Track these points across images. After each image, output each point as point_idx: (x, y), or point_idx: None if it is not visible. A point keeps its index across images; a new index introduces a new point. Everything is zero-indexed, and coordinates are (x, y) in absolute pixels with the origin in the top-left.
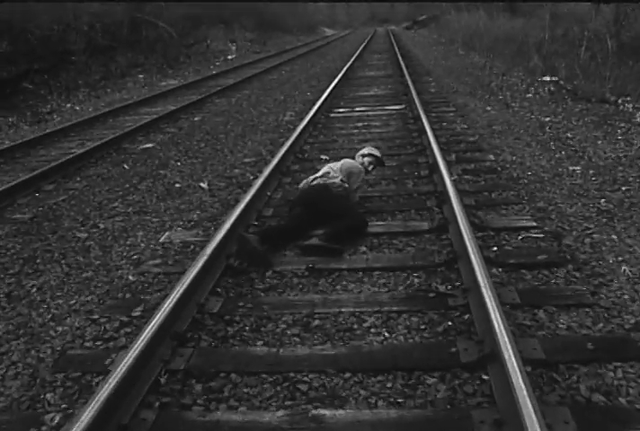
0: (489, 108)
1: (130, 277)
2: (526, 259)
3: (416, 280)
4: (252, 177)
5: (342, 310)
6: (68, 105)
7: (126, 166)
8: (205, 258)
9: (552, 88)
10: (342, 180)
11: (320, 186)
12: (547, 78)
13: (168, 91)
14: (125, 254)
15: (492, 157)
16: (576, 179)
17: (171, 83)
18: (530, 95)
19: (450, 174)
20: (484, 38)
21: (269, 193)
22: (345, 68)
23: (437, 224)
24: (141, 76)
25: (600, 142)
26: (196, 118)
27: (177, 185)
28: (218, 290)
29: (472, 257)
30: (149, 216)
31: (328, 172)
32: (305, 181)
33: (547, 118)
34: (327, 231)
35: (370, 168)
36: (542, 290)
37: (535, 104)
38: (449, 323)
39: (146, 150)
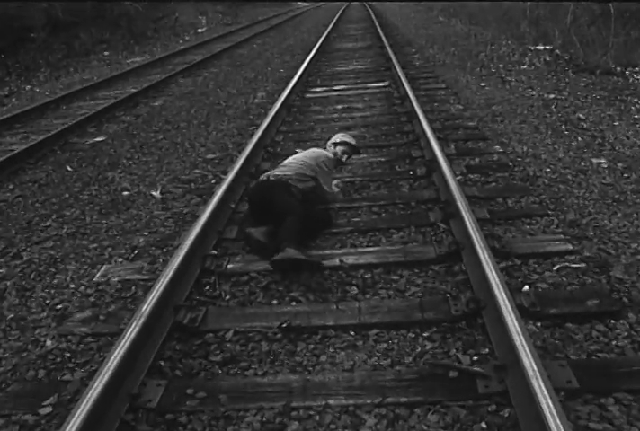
0: (483, 83)
1: (49, 343)
2: (570, 307)
3: (428, 345)
4: (214, 180)
5: (330, 402)
6: (28, 87)
7: (69, 168)
8: (147, 311)
9: (547, 58)
10: (307, 174)
11: (272, 182)
12: (541, 47)
13: (131, 70)
14: (48, 302)
15: (499, 148)
16: (605, 176)
17: (137, 61)
18: (526, 67)
19: (453, 173)
20: (465, 3)
21: (233, 205)
22: (321, 40)
23: (446, 249)
24: (106, 54)
25: (616, 123)
26: (156, 103)
27: (125, 193)
28: (162, 364)
29: (501, 307)
30: (86, 241)
31: (293, 163)
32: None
33: (551, 96)
34: (282, 232)
35: (345, 158)
36: (604, 362)
37: (533, 78)
38: (483, 426)
39: (96, 145)
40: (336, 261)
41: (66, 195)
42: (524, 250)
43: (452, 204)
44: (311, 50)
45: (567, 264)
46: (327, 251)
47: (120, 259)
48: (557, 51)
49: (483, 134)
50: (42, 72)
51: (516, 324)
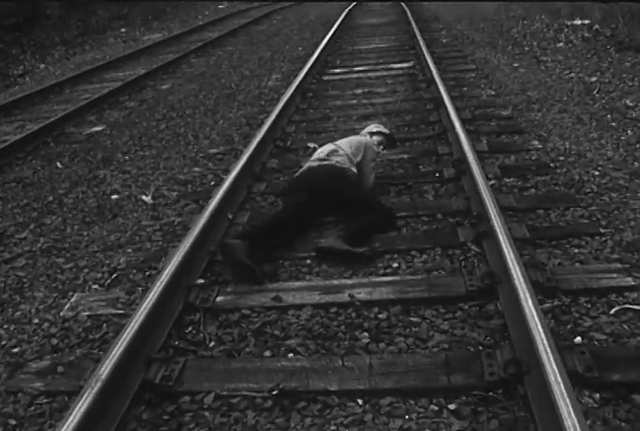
0: (516, 64)
1: None
2: (638, 372)
3: (455, 424)
4: (213, 182)
5: None
6: (42, 65)
7: (59, 164)
8: (107, 370)
9: (586, 34)
10: (353, 163)
11: (333, 167)
12: (578, 22)
13: (145, 48)
14: (4, 343)
15: (537, 144)
16: None
17: (153, 37)
18: (562, 44)
19: (486, 177)
20: None
21: (230, 215)
22: (343, 15)
23: (478, 283)
24: (123, 30)
25: None
26: (164, 86)
27: (114, 196)
28: None
29: (548, 373)
30: (62, 258)
31: (336, 150)
32: (307, 165)
33: (593, 78)
34: (349, 228)
35: (380, 148)
36: None
37: (571, 57)
38: None
39: (93, 136)
40: (345, 296)
41: (50, 198)
42: (573, 284)
43: (485, 219)
44: (332, 26)
45: (629, 305)
46: (335, 281)
47: (95, 286)
48: (597, 26)
49: (518, 125)
50: (57, 50)
51: (567, 401)
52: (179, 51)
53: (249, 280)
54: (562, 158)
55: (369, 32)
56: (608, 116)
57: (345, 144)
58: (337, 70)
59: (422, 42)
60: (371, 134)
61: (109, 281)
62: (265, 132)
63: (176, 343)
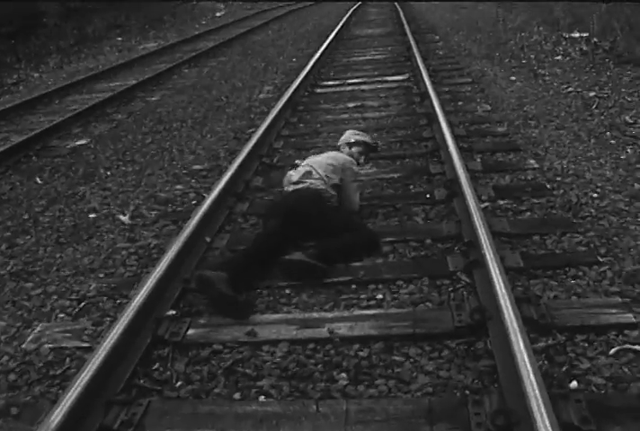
0: (513, 78)
1: None
2: None
3: None
4: (195, 201)
5: None
6: (36, 74)
7: (39, 180)
8: (62, 413)
9: (584, 47)
10: (328, 184)
11: (309, 191)
12: (576, 34)
13: (138, 58)
14: None
15: (533, 163)
16: None
17: (149, 47)
18: (560, 58)
19: (479, 199)
20: None
21: (208, 239)
22: (340, 25)
23: (467, 319)
24: (119, 39)
25: None
26: (154, 98)
27: (92, 215)
28: None
29: (539, 426)
30: (31, 283)
31: (310, 172)
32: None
33: (592, 93)
34: (320, 245)
35: (362, 159)
36: None
37: (569, 71)
38: None
39: (76, 150)
40: (325, 331)
41: (26, 216)
42: (569, 320)
43: (476, 246)
44: (327, 37)
45: (629, 345)
46: (314, 314)
47: (62, 314)
48: (595, 39)
49: (514, 143)
50: (53, 58)
51: None
52: (172, 61)
53: (232, 314)
54: (559, 178)
55: (365, 43)
56: (608, 133)
57: (320, 164)
58: (330, 82)
59: (417, 54)
60: (349, 145)
61: (77, 310)
62: (251, 148)
63: (141, 381)
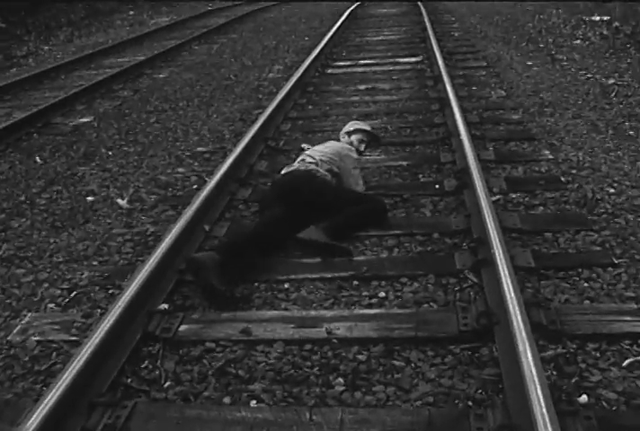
0: (530, 62)
1: None
2: None
3: None
4: (196, 185)
5: None
6: (47, 47)
7: (38, 159)
8: (42, 415)
9: (605, 31)
10: (323, 168)
11: (300, 171)
12: (597, 18)
13: (148, 33)
14: None
15: (548, 154)
16: None
17: (161, 21)
18: (579, 42)
19: (490, 192)
20: None
21: (207, 227)
22: (355, 5)
23: (473, 323)
24: (131, 13)
25: None
26: (161, 75)
27: (90, 198)
28: None
29: None
30: (23, 269)
31: (304, 160)
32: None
33: (611, 80)
34: (333, 219)
35: (362, 148)
36: None
37: (588, 56)
38: None
39: (79, 128)
40: (323, 331)
41: (23, 197)
42: (581, 327)
43: (486, 243)
44: (341, 15)
45: None
46: (312, 312)
47: (52, 304)
48: (617, 24)
49: (529, 131)
50: (63, 31)
51: None
52: (183, 37)
53: (219, 306)
54: (574, 171)
55: (379, 23)
56: (626, 123)
57: (316, 152)
58: (342, 63)
59: (432, 35)
60: (349, 133)
61: (67, 300)
62: (257, 130)
63: (128, 381)
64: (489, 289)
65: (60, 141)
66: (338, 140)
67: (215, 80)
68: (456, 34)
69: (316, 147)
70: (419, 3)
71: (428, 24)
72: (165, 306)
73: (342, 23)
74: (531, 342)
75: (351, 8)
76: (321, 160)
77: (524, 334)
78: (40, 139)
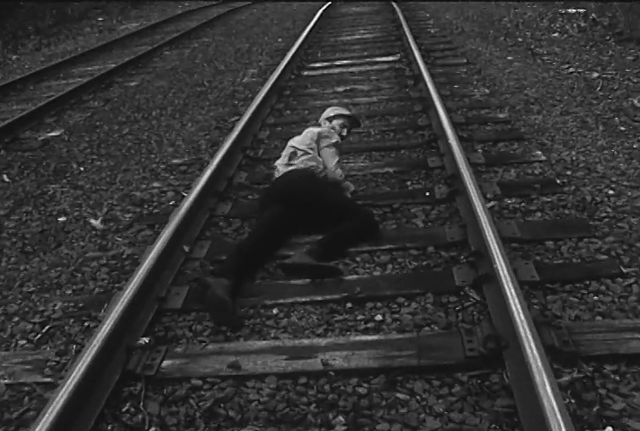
0: (510, 57)
1: None
2: None
3: None
4: (173, 201)
5: None
6: (14, 57)
7: (6, 178)
8: None
9: (582, 24)
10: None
11: (299, 171)
12: (573, 10)
13: (118, 39)
14: None
15: (540, 154)
16: None
17: (131, 27)
18: (557, 35)
19: (484, 198)
20: None
21: (187, 248)
22: (327, 4)
23: (480, 348)
24: (100, 19)
25: None
26: (133, 83)
27: (61, 218)
28: None
29: None
30: None
31: (295, 153)
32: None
33: (594, 74)
34: (320, 241)
35: (345, 132)
36: None
37: (568, 49)
38: None
39: (49, 142)
40: (318, 362)
41: None
42: (596, 348)
43: (486, 256)
44: (314, 15)
45: None
46: (305, 341)
47: (23, 341)
48: (593, 15)
49: (517, 131)
50: (31, 40)
51: None
52: (153, 43)
53: (230, 323)
54: (569, 172)
55: (353, 22)
56: (616, 119)
57: (301, 141)
58: (317, 64)
59: (408, 33)
60: (329, 119)
61: (39, 335)
62: (234, 139)
63: (109, 428)
64: (494, 308)
65: (29, 157)
66: (319, 126)
67: (188, 86)
68: (432, 31)
69: (298, 137)
70: (392, 2)
71: (403, 22)
72: (146, 340)
73: (315, 23)
74: (547, 368)
75: (324, 8)
76: (310, 149)
77: (538, 357)
78: (7, 156)
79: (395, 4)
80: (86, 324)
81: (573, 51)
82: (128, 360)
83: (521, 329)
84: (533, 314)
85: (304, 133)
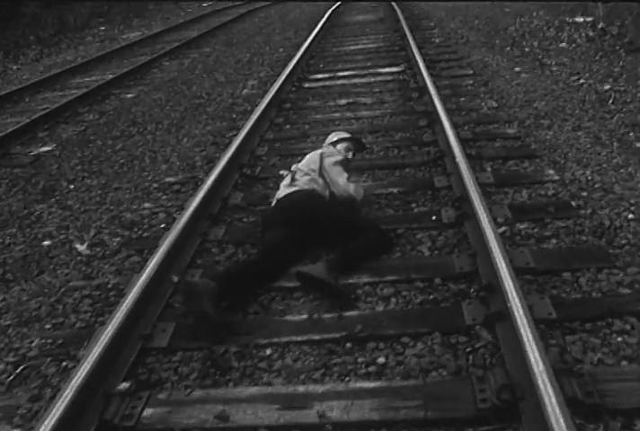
0: (518, 68)
1: None
2: None
3: None
4: (164, 224)
5: None
6: (15, 67)
7: None
8: None
9: (590, 33)
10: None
11: (301, 192)
12: (580, 19)
13: (118, 49)
14: None
15: (553, 174)
16: None
17: (132, 36)
18: (565, 44)
19: (494, 222)
20: None
21: (176, 278)
22: (330, 12)
23: (493, 399)
24: (102, 28)
25: None
26: (130, 95)
27: (46, 242)
28: None
29: None
30: None
31: (295, 173)
32: (275, 198)
33: (606, 86)
34: (337, 252)
35: (351, 155)
36: None
37: (577, 60)
38: None
39: (39, 158)
40: (314, 413)
41: None
42: (623, 399)
43: (498, 291)
44: (317, 24)
45: None
46: (300, 388)
47: None
48: (602, 24)
49: (528, 148)
50: (33, 49)
51: None
52: (153, 53)
53: (209, 337)
54: (584, 193)
55: (356, 31)
56: (631, 134)
57: (302, 164)
58: (319, 76)
59: (412, 42)
60: (333, 144)
61: (12, 377)
62: (230, 156)
63: None
64: (508, 351)
65: (18, 174)
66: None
67: (186, 99)
68: (437, 40)
69: (302, 161)
70: (396, 8)
71: (407, 31)
72: (126, 385)
73: (317, 33)
74: (568, 424)
75: (326, 16)
76: (312, 170)
77: (559, 415)
78: None
79: (399, 13)
80: (64, 364)
81: (582, 62)
82: (105, 408)
83: (539, 379)
84: (551, 358)
85: (307, 156)
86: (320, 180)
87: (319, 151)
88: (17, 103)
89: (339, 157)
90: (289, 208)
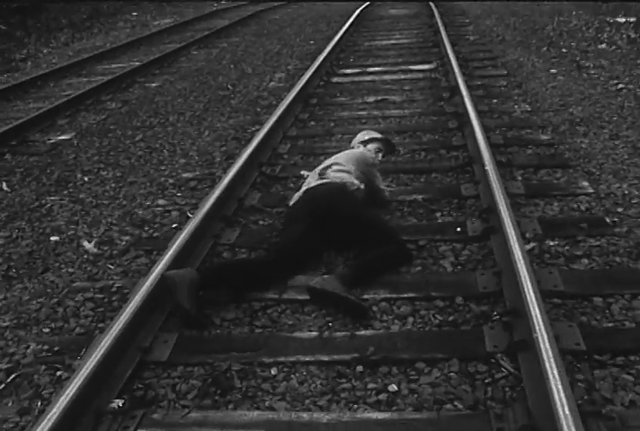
0: (554, 70)
1: None
2: None
3: None
4: (176, 224)
5: None
6: (46, 50)
7: (5, 186)
8: None
9: (632, 34)
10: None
11: (332, 184)
12: (622, 19)
13: (148, 36)
14: None
15: (587, 186)
16: None
17: (163, 23)
18: (605, 46)
19: (523, 238)
20: None
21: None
22: (364, 5)
23: None
24: (134, 14)
25: None
26: (154, 84)
27: (54, 238)
28: None
29: None
30: None
31: (330, 166)
32: (303, 188)
33: None
34: (352, 264)
35: (380, 156)
36: None
37: (617, 63)
38: None
39: (57, 147)
40: None
41: None
42: None
43: (524, 316)
44: (350, 17)
45: None
46: (304, 415)
47: None
48: None
49: (561, 156)
50: (64, 33)
51: None
52: (182, 40)
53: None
54: (620, 209)
55: (389, 26)
56: None
57: (337, 157)
58: (348, 71)
59: (446, 39)
60: (364, 143)
61: (3, 386)
62: (250, 153)
63: None
64: (530, 385)
65: (34, 163)
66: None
67: (210, 90)
68: (471, 38)
69: (335, 155)
70: (430, 3)
71: (441, 27)
72: (120, 403)
73: (350, 26)
74: None
75: (360, 9)
76: (347, 165)
77: None
78: (12, 161)
79: (434, 8)
80: (58, 374)
81: (622, 65)
82: (95, 428)
83: (564, 425)
84: (577, 395)
85: (344, 152)
86: (355, 179)
87: (359, 150)
88: (41, 88)
89: (377, 160)
90: (319, 198)
